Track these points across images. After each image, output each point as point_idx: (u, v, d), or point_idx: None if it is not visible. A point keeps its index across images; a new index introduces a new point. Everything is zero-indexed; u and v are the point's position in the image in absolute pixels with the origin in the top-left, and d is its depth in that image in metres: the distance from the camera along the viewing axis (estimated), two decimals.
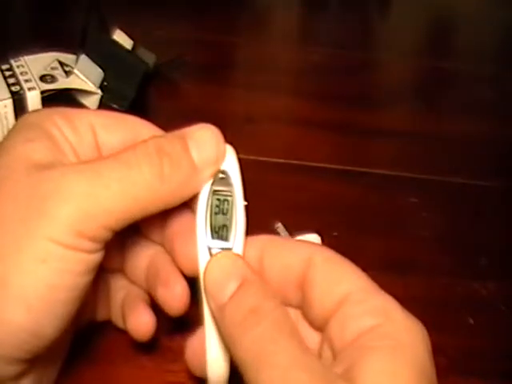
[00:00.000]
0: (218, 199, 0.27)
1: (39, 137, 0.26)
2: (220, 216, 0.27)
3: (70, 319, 0.25)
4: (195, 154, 0.26)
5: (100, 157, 0.27)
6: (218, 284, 0.25)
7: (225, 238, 0.27)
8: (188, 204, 0.29)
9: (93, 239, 0.24)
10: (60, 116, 0.27)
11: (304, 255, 0.26)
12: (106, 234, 0.25)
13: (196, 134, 0.27)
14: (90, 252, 0.25)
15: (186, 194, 0.27)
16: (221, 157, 0.27)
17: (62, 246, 0.24)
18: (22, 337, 0.23)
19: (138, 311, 0.30)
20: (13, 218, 0.24)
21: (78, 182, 0.24)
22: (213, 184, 0.27)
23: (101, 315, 0.32)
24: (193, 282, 0.28)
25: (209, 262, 0.26)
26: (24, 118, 0.28)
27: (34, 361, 0.25)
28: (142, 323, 0.30)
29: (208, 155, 0.27)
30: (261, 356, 0.22)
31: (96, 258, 0.25)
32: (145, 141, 0.26)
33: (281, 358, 0.22)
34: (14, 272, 0.23)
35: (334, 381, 0.22)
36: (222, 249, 0.26)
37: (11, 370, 0.25)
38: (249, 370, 0.23)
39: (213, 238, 0.27)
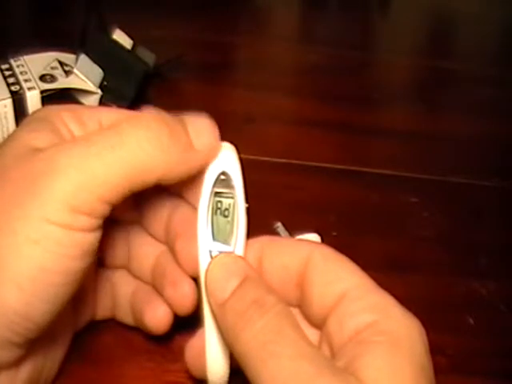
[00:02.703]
0: (220, 201, 0.27)
1: (43, 128, 0.26)
2: (221, 218, 0.27)
3: (62, 304, 0.25)
4: (193, 136, 0.26)
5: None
6: (219, 282, 0.25)
7: (226, 241, 0.26)
8: (191, 204, 0.29)
9: (89, 213, 0.24)
10: (68, 112, 0.27)
11: (303, 254, 0.26)
12: (102, 208, 0.24)
13: (194, 120, 0.27)
14: (86, 230, 0.24)
15: (182, 171, 0.26)
16: (217, 148, 0.27)
17: (56, 225, 0.23)
18: (13, 318, 0.23)
19: (155, 304, 0.30)
20: (9, 201, 0.24)
21: (70, 155, 0.24)
22: (214, 185, 0.27)
23: (101, 313, 0.32)
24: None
25: (210, 263, 0.26)
26: (33, 113, 0.28)
27: (31, 348, 0.25)
28: (160, 315, 0.30)
29: (205, 141, 0.26)
30: (265, 347, 0.22)
31: (92, 239, 0.25)
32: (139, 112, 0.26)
33: (287, 349, 0.22)
34: (7, 253, 0.23)
35: (338, 373, 0.22)
36: (223, 251, 0.26)
37: (7, 354, 0.25)
38: (252, 363, 0.22)
39: (214, 240, 0.26)
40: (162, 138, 0.25)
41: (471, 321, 0.37)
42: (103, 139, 0.24)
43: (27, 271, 0.23)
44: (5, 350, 0.24)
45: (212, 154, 0.27)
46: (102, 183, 0.24)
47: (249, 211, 0.27)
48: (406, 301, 0.24)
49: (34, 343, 0.26)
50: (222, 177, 0.27)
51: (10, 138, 0.26)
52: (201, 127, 0.26)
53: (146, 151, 0.24)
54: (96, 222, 0.25)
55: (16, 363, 0.26)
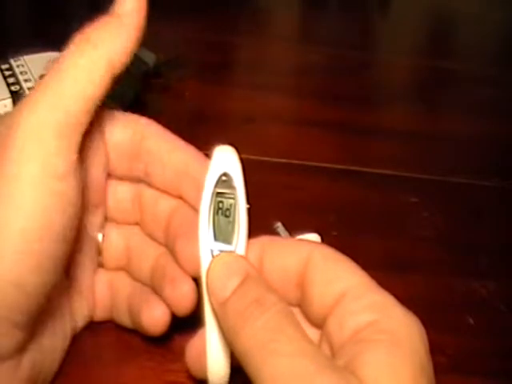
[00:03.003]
0: (221, 201, 0.27)
1: None
2: (223, 218, 0.27)
3: (49, 271, 0.25)
4: (120, 10, 0.27)
5: None
6: (221, 280, 0.25)
7: (227, 241, 0.26)
8: (191, 205, 0.29)
9: (63, 139, 0.25)
10: None
11: (303, 254, 0.26)
12: (73, 128, 0.26)
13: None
14: (58, 176, 0.25)
15: (124, 43, 0.27)
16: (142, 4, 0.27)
17: (33, 176, 0.24)
18: (7, 290, 0.23)
19: (153, 303, 0.30)
20: None
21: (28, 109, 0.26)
22: (216, 186, 0.27)
23: (100, 314, 0.32)
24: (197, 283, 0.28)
25: (211, 262, 0.26)
26: None
27: (31, 339, 0.26)
28: (158, 315, 0.30)
29: (128, 7, 0.27)
30: (266, 345, 0.22)
31: (66, 187, 0.25)
32: None
33: (287, 347, 0.22)
34: None
35: (338, 371, 0.22)
36: (225, 251, 0.26)
37: (8, 340, 0.25)
38: (253, 361, 0.22)
39: (215, 240, 0.26)
40: (91, 38, 0.27)
41: (471, 321, 0.37)
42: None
43: (8, 238, 0.23)
44: (7, 336, 0.24)
45: (138, 14, 0.27)
46: (58, 101, 0.26)
47: (249, 212, 0.27)
48: (406, 301, 0.24)
49: (35, 333, 0.26)
50: (224, 178, 0.27)
51: None
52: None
53: (81, 55, 0.27)
54: (68, 153, 0.25)
55: (18, 351, 0.25)
